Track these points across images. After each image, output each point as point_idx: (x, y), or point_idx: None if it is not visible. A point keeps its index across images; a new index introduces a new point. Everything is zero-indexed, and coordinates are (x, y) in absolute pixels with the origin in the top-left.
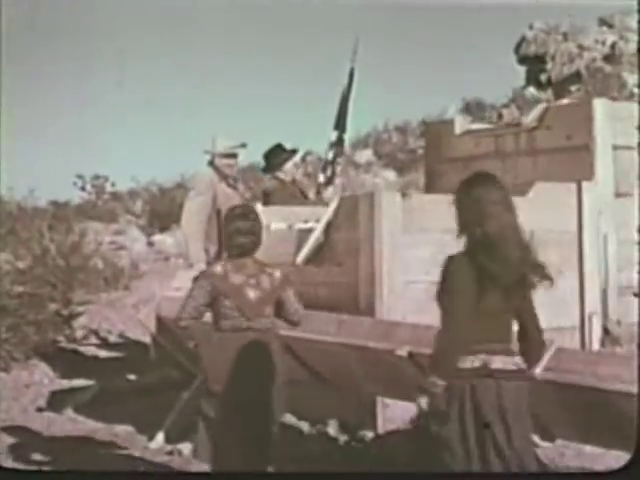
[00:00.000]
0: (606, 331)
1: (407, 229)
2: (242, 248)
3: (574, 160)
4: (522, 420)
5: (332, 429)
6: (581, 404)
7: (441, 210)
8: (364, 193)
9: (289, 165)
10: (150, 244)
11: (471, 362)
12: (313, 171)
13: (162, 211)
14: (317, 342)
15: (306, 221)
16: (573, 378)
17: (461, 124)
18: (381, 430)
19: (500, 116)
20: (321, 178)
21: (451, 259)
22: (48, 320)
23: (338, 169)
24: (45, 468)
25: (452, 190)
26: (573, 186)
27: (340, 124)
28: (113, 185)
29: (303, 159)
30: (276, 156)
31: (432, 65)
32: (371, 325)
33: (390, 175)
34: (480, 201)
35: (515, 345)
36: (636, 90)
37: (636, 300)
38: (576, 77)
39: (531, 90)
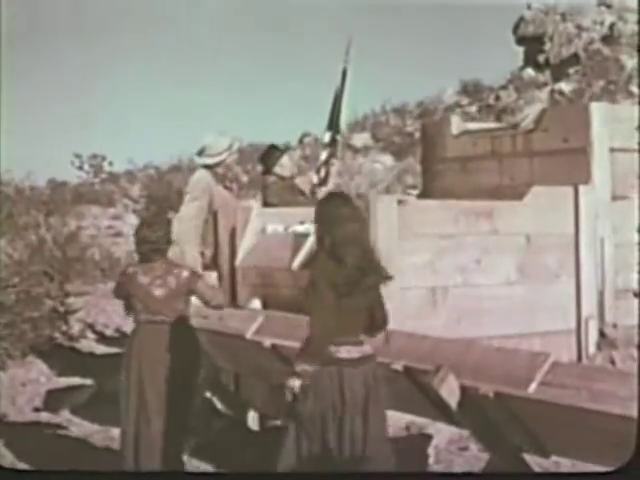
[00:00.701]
0: (602, 334)
1: (403, 235)
2: (148, 254)
3: (571, 163)
4: (377, 405)
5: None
6: (575, 423)
7: (437, 216)
8: (360, 200)
9: (285, 160)
10: None
11: (343, 353)
12: (311, 153)
13: (159, 196)
14: None
15: (302, 222)
16: (568, 394)
17: (458, 124)
18: None
19: (498, 98)
20: (315, 179)
21: (312, 263)
22: (45, 317)
23: (332, 170)
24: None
25: (450, 190)
26: (570, 190)
27: (333, 125)
28: (111, 164)
29: (301, 141)
30: (271, 156)
31: (430, 46)
32: None
33: (387, 160)
34: (330, 215)
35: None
36: (635, 73)
37: (633, 303)
38: (574, 59)
39: (529, 71)
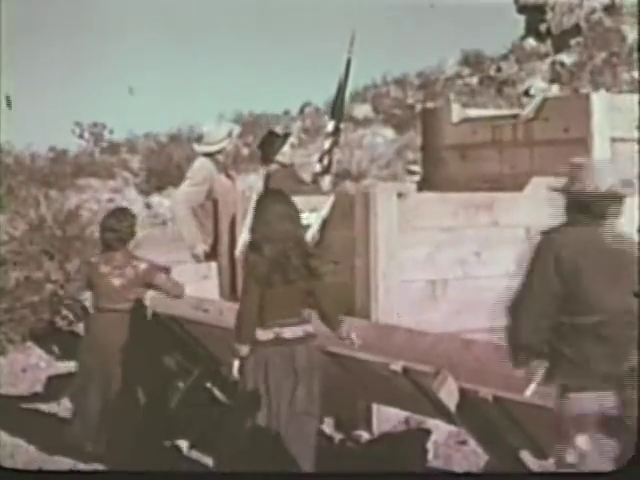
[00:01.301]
0: None
1: (403, 228)
2: (109, 243)
3: (571, 153)
4: (310, 381)
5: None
6: None
7: (436, 209)
8: (360, 193)
9: (286, 148)
10: (148, 206)
11: (267, 335)
12: (312, 124)
13: (159, 169)
14: None
15: (301, 210)
16: None
17: (458, 112)
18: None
19: (499, 69)
20: (317, 167)
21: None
22: (45, 301)
23: (335, 158)
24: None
25: (450, 178)
26: None
27: (337, 113)
28: (111, 132)
29: (301, 111)
30: (271, 144)
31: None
32: (366, 328)
33: (389, 133)
34: (260, 212)
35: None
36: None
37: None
38: (576, 30)
39: (530, 41)
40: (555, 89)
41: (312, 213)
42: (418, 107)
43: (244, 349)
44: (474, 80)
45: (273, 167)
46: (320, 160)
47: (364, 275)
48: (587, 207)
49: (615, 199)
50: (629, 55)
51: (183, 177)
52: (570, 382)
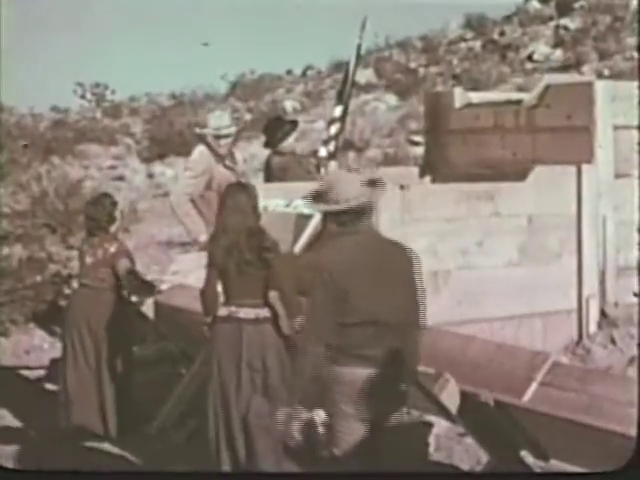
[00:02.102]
0: (603, 314)
1: (405, 220)
2: (92, 230)
3: (574, 140)
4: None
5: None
6: (574, 433)
7: (438, 200)
8: None
9: (290, 140)
10: (150, 176)
11: (222, 312)
12: (313, 89)
13: (161, 137)
14: None
15: (305, 197)
16: (568, 397)
17: (460, 97)
18: None
19: (502, 33)
20: (323, 152)
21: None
22: (47, 282)
23: (340, 144)
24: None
25: (452, 162)
26: (572, 169)
27: (344, 99)
28: (113, 93)
29: (304, 74)
30: (276, 129)
31: None
32: None
33: (391, 99)
34: (224, 203)
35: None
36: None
37: (634, 280)
38: None
39: (534, 3)
40: (558, 54)
41: None
42: (421, 72)
43: (208, 320)
44: (477, 44)
45: (276, 158)
46: (326, 144)
47: None
48: (341, 218)
49: (364, 206)
50: (633, 21)
51: (185, 144)
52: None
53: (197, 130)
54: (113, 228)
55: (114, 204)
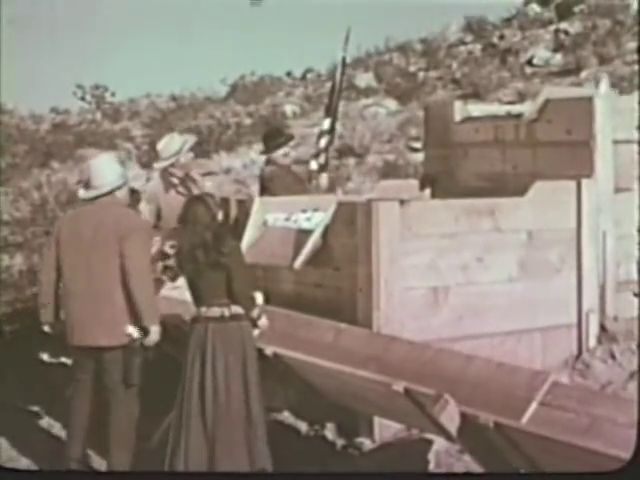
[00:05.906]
0: (603, 328)
1: (404, 236)
2: None
3: (574, 155)
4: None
5: (330, 432)
6: (573, 457)
7: (438, 215)
8: (362, 202)
9: (286, 149)
10: (149, 180)
11: (196, 313)
12: (313, 92)
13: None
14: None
15: (305, 210)
16: (568, 418)
17: (461, 110)
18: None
19: (502, 37)
20: (313, 165)
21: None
22: None
23: (330, 156)
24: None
25: (452, 176)
26: (573, 184)
27: (332, 111)
28: (113, 95)
29: (304, 77)
30: (273, 138)
31: None
32: (368, 338)
33: (391, 104)
34: (182, 214)
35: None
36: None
37: (634, 296)
38: None
39: (534, 6)
40: (558, 58)
41: (315, 212)
42: (420, 76)
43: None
44: (477, 47)
45: (268, 169)
46: (316, 157)
47: (366, 283)
48: None
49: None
50: (633, 25)
51: None
52: None
53: (155, 166)
54: None
55: None
